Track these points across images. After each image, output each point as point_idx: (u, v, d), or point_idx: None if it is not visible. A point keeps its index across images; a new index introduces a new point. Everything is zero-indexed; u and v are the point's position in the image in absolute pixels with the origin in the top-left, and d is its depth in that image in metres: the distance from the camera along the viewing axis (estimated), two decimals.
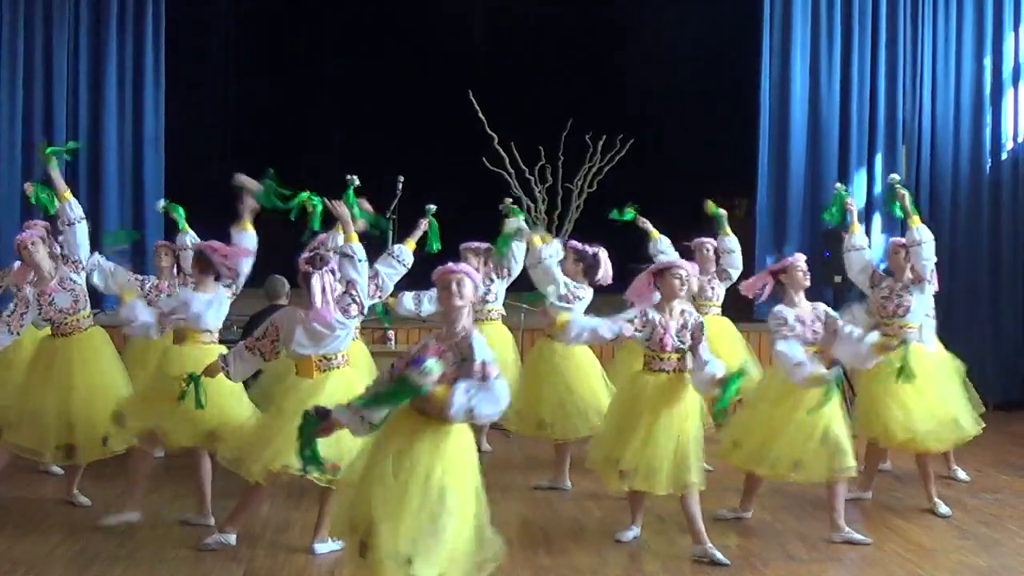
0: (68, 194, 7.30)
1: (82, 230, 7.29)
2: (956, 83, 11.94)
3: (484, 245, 9.09)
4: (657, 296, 6.78)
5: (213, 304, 7.00)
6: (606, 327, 6.78)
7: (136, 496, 7.11)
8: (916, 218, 7.92)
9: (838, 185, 8.96)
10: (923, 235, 7.78)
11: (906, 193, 8.18)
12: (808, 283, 7.15)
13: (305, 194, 7.30)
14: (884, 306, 7.93)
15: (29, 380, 7.27)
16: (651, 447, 6.59)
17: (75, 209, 7.26)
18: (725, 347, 8.65)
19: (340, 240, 6.75)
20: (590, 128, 12.62)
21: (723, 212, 9.26)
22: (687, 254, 8.91)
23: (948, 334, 11.54)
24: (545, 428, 8.15)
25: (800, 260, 7.21)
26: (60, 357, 7.21)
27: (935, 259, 8.01)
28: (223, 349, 6.86)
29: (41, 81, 11.19)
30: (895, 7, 11.83)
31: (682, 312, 6.77)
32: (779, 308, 7.05)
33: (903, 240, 8.10)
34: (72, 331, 7.24)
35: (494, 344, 8.91)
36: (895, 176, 9.29)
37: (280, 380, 7.21)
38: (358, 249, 6.62)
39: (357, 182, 7.70)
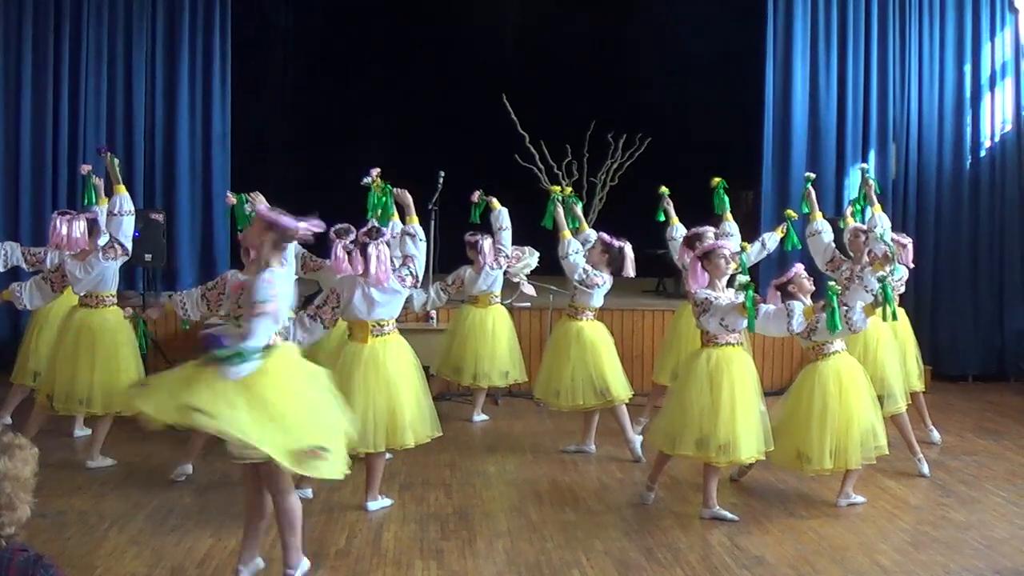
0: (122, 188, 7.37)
1: (128, 221, 7.28)
2: (940, 88, 11.83)
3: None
4: (707, 277, 6.58)
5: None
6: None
7: (192, 453, 7.20)
8: (878, 206, 7.92)
9: (807, 175, 8.90)
10: (882, 221, 7.61)
11: (873, 183, 8.18)
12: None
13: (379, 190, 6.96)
14: (847, 287, 7.49)
15: None
16: (737, 418, 6.46)
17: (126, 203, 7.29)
18: None
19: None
20: (612, 128, 12.58)
21: (726, 198, 8.79)
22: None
23: (933, 312, 11.61)
24: (558, 397, 8.06)
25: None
26: None
27: (909, 240, 8.11)
28: None
29: (122, 86, 11.25)
30: (885, 21, 11.71)
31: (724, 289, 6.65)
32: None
33: (863, 226, 7.95)
34: None
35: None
36: (864, 165, 9.19)
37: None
38: (418, 229, 6.64)
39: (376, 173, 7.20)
